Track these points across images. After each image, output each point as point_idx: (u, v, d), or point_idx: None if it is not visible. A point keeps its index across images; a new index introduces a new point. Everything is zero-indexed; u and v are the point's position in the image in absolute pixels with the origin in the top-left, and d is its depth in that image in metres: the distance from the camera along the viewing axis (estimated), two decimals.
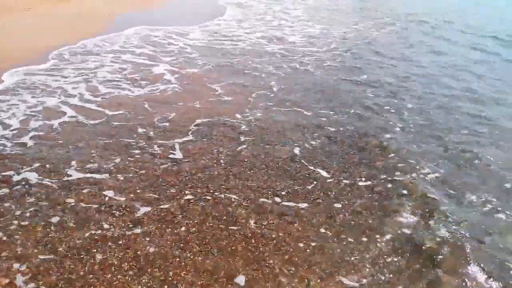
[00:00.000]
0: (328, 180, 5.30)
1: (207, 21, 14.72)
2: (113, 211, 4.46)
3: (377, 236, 4.31)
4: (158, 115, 6.88)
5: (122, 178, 5.06)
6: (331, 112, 7.41)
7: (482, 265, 3.93)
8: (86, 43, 10.76)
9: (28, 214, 4.32)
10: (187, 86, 8.31)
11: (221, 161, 5.60)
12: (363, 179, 5.35)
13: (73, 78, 8.31)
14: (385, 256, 4.04)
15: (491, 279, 3.80)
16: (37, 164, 5.23)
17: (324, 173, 5.45)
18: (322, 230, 4.36)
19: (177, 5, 17.48)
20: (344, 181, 5.30)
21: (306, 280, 3.73)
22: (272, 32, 13.76)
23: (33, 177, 4.97)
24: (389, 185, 5.24)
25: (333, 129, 6.74)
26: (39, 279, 3.56)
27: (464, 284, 3.76)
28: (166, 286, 3.57)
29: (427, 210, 4.75)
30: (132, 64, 9.41)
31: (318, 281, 3.72)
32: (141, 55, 10.16)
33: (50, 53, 9.66)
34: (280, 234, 4.28)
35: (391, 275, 3.81)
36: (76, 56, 9.72)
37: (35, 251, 3.85)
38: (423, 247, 4.15)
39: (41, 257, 3.78)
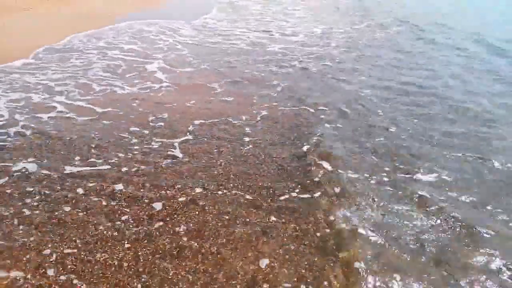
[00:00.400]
0: (332, 178, 5.31)
1: (208, 20, 14.76)
2: (123, 208, 4.50)
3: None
4: (159, 114, 6.89)
5: (125, 175, 5.08)
6: (331, 113, 7.42)
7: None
8: (72, 39, 10.78)
9: (35, 204, 4.40)
10: (182, 84, 8.33)
11: (221, 160, 5.60)
12: (377, 175, 5.37)
13: (61, 74, 8.33)
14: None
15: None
16: (33, 158, 5.30)
17: (325, 172, 5.45)
18: (321, 230, 4.37)
19: (179, 5, 17.48)
20: (351, 176, 5.30)
21: (305, 278, 3.73)
22: (271, 31, 13.78)
23: (33, 169, 5.06)
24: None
25: (333, 129, 6.76)
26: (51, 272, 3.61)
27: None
28: (166, 285, 3.58)
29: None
30: (124, 61, 9.43)
31: (315, 279, 3.73)
32: (131, 51, 10.18)
33: (44, 50, 9.71)
34: (280, 233, 4.28)
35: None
36: (63, 53, 9.74)
37: (46, 243, 3.90)
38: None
39: (50, 250, 3.81)
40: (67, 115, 6.62)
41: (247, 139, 6.25)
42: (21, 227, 4.10)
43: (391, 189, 5.17)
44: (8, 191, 4.63)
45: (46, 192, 4.65)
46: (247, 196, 4.85)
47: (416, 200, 4.96)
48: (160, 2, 17.35)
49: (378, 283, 3.73)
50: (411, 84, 9.15)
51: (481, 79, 9.79)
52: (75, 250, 3.86)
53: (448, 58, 11.53)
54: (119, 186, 4.87)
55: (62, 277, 3.56)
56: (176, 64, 9.62)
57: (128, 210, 4.47)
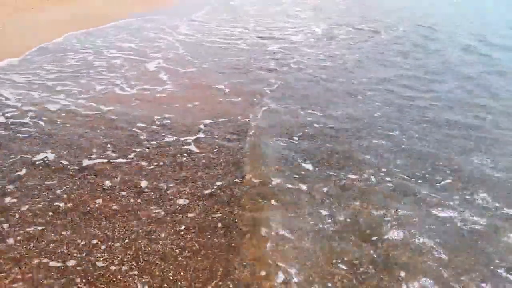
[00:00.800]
0: (330, 178, 5.31)
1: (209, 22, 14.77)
2: (148, 205, 4.57)
3: None
4: (164, 113, 6.90)
5: (144, 171, 5.17)
6: (328, 115, 7.42)
7: None
8: (69, 37, 10.81)
9: (65, 196, 4.53)
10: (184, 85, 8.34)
11: (222, 160, 5.61)
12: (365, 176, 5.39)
13: (58, 73, 8.34)
14: None
15: None
16: (50, 149, 5.44)
17: (320, 172, 5.45)
18: (320, 226, 4.37)
19: (179, 5, 17.49)
20: (344, 179, 5.32)
21: (303, 276, 3.72)
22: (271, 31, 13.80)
23: (53, 160, 5.21)
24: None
25: (331, 130, 6.77)
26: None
27: None
28: (166, 286, 3.58)
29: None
30: (126, 60, 9.43)
31: (315, 276, 3.73)
32: (129, 49, 10.19)
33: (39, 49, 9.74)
34: (280, 231, 4.27)
35: None
36: (58, 52, 9.76)
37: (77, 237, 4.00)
38: None
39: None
40: (71, 112, 6.66)
41: (253, 138, 6.30)
42: (58, 222, 4.15)
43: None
44: (32, 183, 4.71)
45: (70, 184, 4.76)
46: (247, 194, 4.86)
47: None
48: (160, 2, 17.36)
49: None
50: (411, 89, 9.07)
51: (484, 88, 9.67)
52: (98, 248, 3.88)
53: (448, 62, 11.49)
54: (144, 183, 4.93)
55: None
56: (176, 63, 9.62)
57: (154, 207, 4.51)
